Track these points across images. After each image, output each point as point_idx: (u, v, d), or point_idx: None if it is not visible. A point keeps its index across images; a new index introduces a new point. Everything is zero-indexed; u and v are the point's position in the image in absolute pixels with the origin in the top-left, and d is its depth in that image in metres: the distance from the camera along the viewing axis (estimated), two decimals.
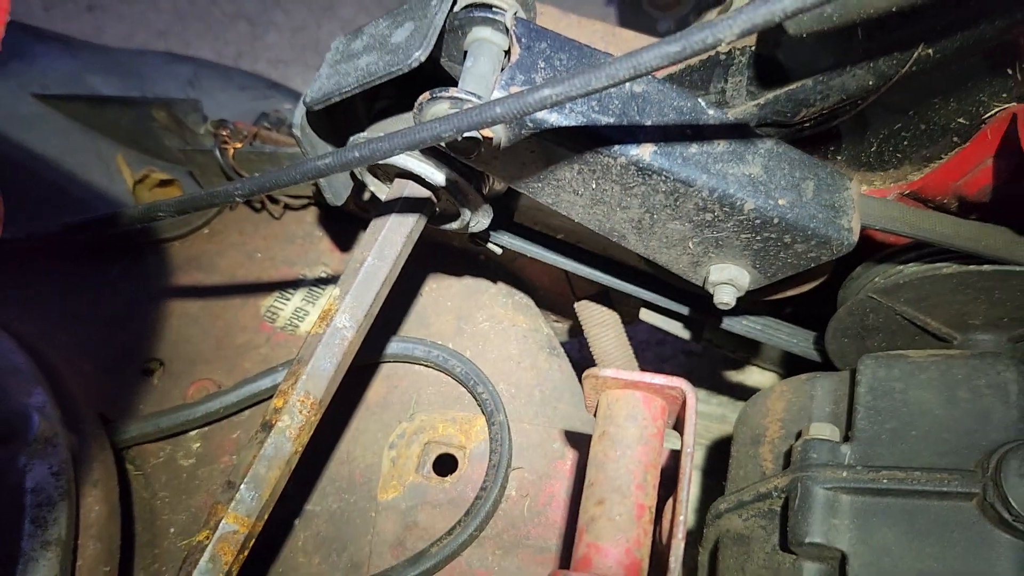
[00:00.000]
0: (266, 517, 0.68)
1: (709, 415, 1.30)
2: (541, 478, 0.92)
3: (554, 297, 1.09)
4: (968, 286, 0.77)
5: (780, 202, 0.71)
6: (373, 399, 0.98)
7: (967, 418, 0.75)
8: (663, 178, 0.70)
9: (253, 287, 1.07)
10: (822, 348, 0.95)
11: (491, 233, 0.91)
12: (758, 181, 0.71)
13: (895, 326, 0.83)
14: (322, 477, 0.93)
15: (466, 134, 0.66)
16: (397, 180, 0.80)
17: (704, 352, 1.26)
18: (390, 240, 0.77)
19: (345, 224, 1.10)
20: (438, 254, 1.07)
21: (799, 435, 0.82)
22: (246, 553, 0.67)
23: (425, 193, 0.78)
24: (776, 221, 0.71)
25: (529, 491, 0.91)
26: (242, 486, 0.66)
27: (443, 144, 0.69)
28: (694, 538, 1.21)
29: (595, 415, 0.67)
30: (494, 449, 0.91)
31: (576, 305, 1.04)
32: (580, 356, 1.18)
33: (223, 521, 0.65)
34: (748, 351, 1.20)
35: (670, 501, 0.62)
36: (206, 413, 0.95)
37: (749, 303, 0.95)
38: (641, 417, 0.64)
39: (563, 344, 1.07)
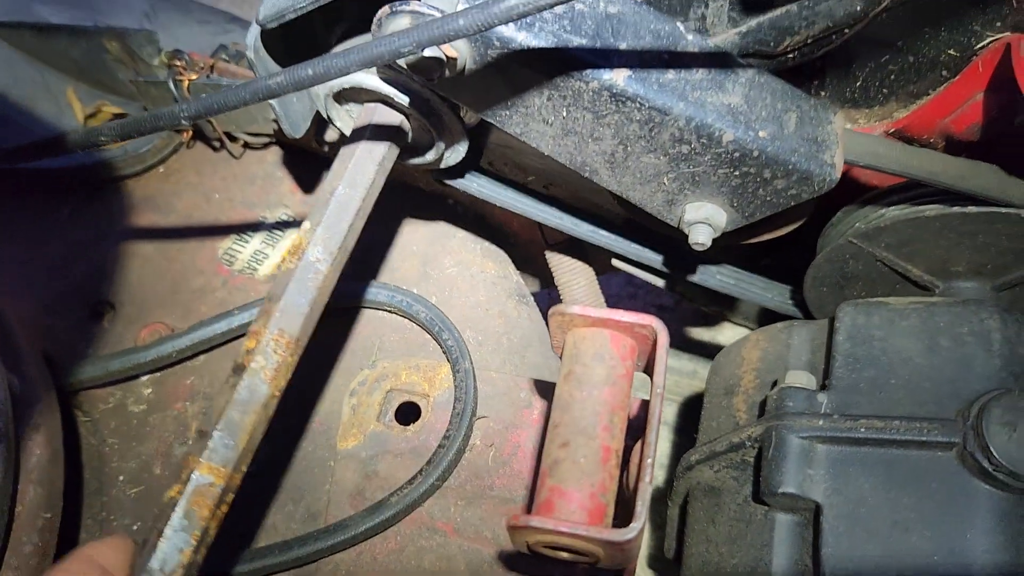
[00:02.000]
0: (245, 468, 0.63)
1: (680, 371, 1.27)
2: (507, 428, 0.88)
3: (524, 244, 1.05)
4: (952, 230, 0.74)
5: (760, 134, 0.67)
6: (333, 345, 0.94)
7: (948, 366, 0.72)
8: (637, 105, 0.66)
9: (210, 229, 1.02)
10: (798, 302, 0.92)
11: (460, 174, 0.87)
12: (738, 111, 0.67)
13: (875, 274, 0.80)
14: (278, 425, 0.89)
15: (428, 52, 0.62)
16: (366, 106, 0.75)
17: (676, 307, 1.23)
18: (361, 168, 0.72)
19: (308, 165, 1.05)
20: (404, 197, 1.03)
21: (774, 384, 0.79)
22: (225, 509, 0.61)
23: (396, 119, 0.74)
24: (756, 154, 0.67)
25: (494, 441, 0.87)
26: (215, 434, 0.60)
27: (404, 64, 0.64)
28: (663, 494, 1.18)
29: (561, 355, 0.64)
30: (459, 397, 0.87)
31: (547, 254, 1.01)
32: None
33: (195, 472, 0.59)
34: (721, 306, 1.17)
35: (638, 444, 0.59)
36: (157, 357, 0.90)
37: (724, 253, 0.92)
38: (609, 357, 0.60)
39: (533, 295, 1.04)
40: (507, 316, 0.96)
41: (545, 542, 0.55)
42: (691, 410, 1.27)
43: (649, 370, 0.61)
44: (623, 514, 0.55)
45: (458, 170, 0.87)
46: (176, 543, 0.56)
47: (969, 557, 0.65)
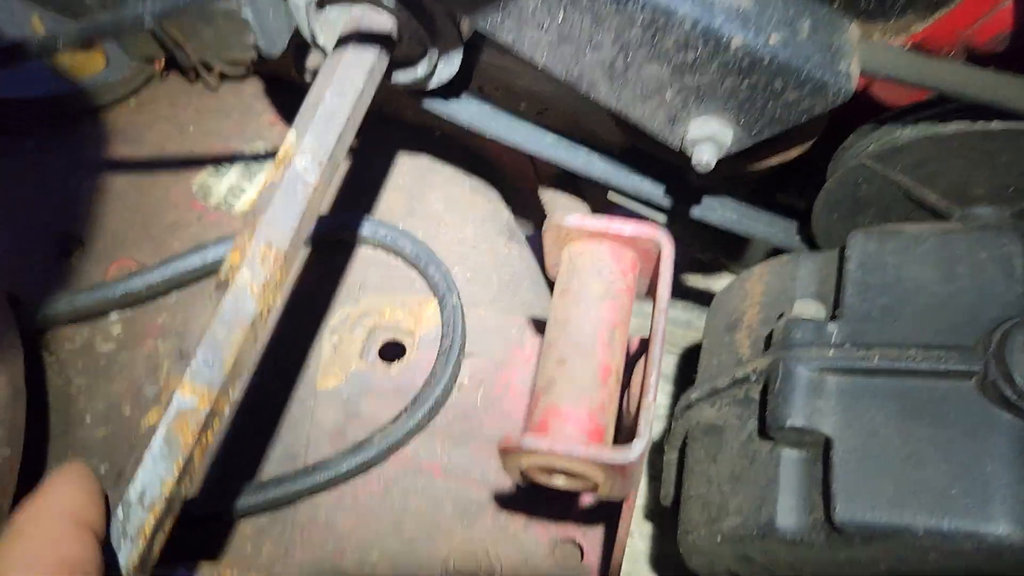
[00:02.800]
0: (232, 392, 0.56)
1: (676, 321, 1.23)
2: (497, 366, 0.84)
3: (516, 181, 1.00)
4: (972, 149, 0.69)
5: (772, 39, 0.62)
6: (313, 281, 0.89)
7: (967, 294, 0.68)
8: (639, 6, 0.61)
9: (184, 162, 0.97)
10: (806, 239, 0.87)
11: (448, 101, 0.82)
12: (747, 14, 0.62)
13: (889, 200, 0.76)
14: (255, 363, 0.84)
15: None
16: (352, 12, 0.69)
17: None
18: (350, 76, 0.66)
19: (288, 96, 0.99)
20: (389, 129, 0.98)
21: (780, 318, 0.75)
22: (211, 435, 0.55)
23: (385, 25, 0.68)
24: (766, 62, 0.62)
25: (483, 380, 0.83)
26: (198, 353, 0.54)
27: None
28: (659, 446, 1.14)
29: (557, 275, 0.59)
30: (446, 334, 0.82)
31: (540, 190, 0.96)
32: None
33: (177, 393, 0.53)
34: (720, 252, 1.13)
35: (640, 363, 0.54)
36: (126, 292, 0.85)
37: (728, 186, 0.87)
38: (608, 271, 0.56)
39: (527, 239, 0.99)
40: (497, 253, 0.91)
41: (539, 465, 0.51)
42: (689, 362, 1.23)
43: (653, 286, 0.56)
44: (624, 440, 0.50)
45: (447, 94, 0.82)
46: (157, 472, 0.51)
47: (988, 490, 0.61)
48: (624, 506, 0.59)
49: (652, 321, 0.52)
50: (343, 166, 0.96)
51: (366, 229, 0.88)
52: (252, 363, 0.84)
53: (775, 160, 0.75)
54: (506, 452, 0.51)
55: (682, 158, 0.71)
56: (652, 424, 0.51)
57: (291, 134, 0.64)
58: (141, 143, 0.98)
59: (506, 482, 0.79)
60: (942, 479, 0.62)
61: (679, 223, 1.11)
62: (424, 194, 0.94)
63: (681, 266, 1.22)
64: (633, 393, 0.55)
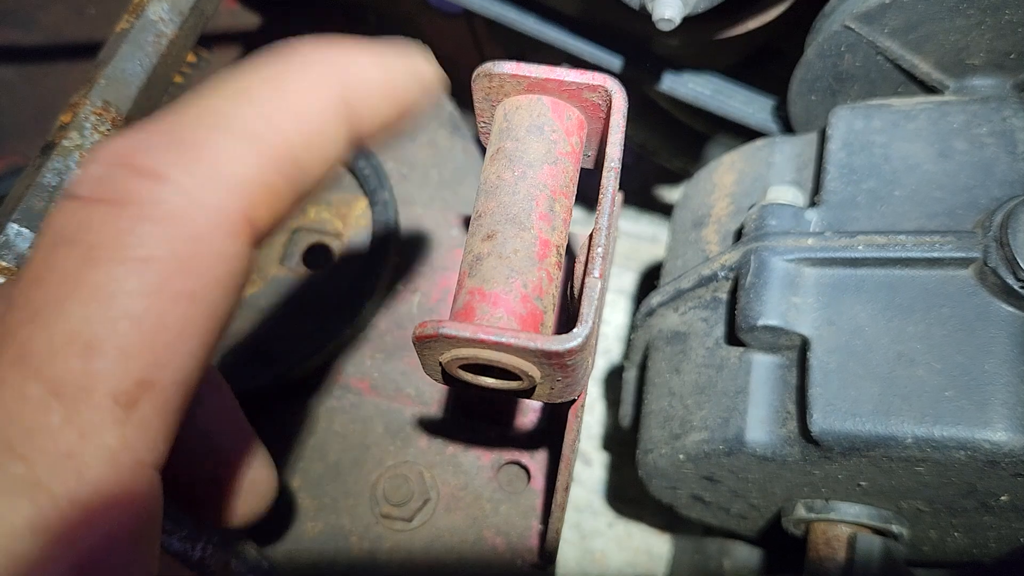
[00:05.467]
0: None
1: (639, 236, 1.14)
2: (434, 270, 0.74)
3: (460, 69, 0.90)
4: (972, 5, 0.60)
5: None
6: None
7: (964, 172, 0.60)
8: None
9: (83, 48, 0.86)
10: (784, 118, 0.78)
11: None
12: None
13: (875, 73, 0.66)
14: None
15: None
16: None
17: (636, 165, 1.10)
18: None
19: None
20: (317, 13, 0.86)
21: (753, 208, 0.66)
22: None
23: None
24: None
25: (419, 286, 0.73)
26: (9, 226, 0.46)
27: None
28: (618, 370, 1.06)
29: (488, 138, 0.49)
30: (376, 235, 0.73)
31: None
32: None
33: None
34: (686, 159, 1.04)
35: (585, 239, 0.45)
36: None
37: (701, 57, 0.77)
38: (549, 129, 0.46)
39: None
40: (437, 146, 0.81)
41: (463, 360, 0.42)
42: (651, 280, 1.14)
43: (602, 153, 0.47)
44: (567, 328, 0.41)
45: None
46: None
47: (986, 392, 0.53)
48: (570, 413, 0.51)
49: (600, 181, 0.43)
50: (251, 41, 0.85)
51: None
52: None
53: (752, 23, 0.65)
54: (423, 343, 0.42)
55: (647, 26, 0.61)
56: (601, 311, 0.42)
57: None
58: (33, 26, 0.87)
59: (443, 399, 0.70)
60: (935, 380, 0.54)
61: (645, 125, 1.02)
62: None
63: (647, 177, 1.13)
64: (578, 276, 0.46)
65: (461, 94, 0.90)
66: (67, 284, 0.26)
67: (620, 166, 0.44)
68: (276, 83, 0.31)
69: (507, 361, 0.41)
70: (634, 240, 1.13)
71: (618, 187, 0.44)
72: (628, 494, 1.02)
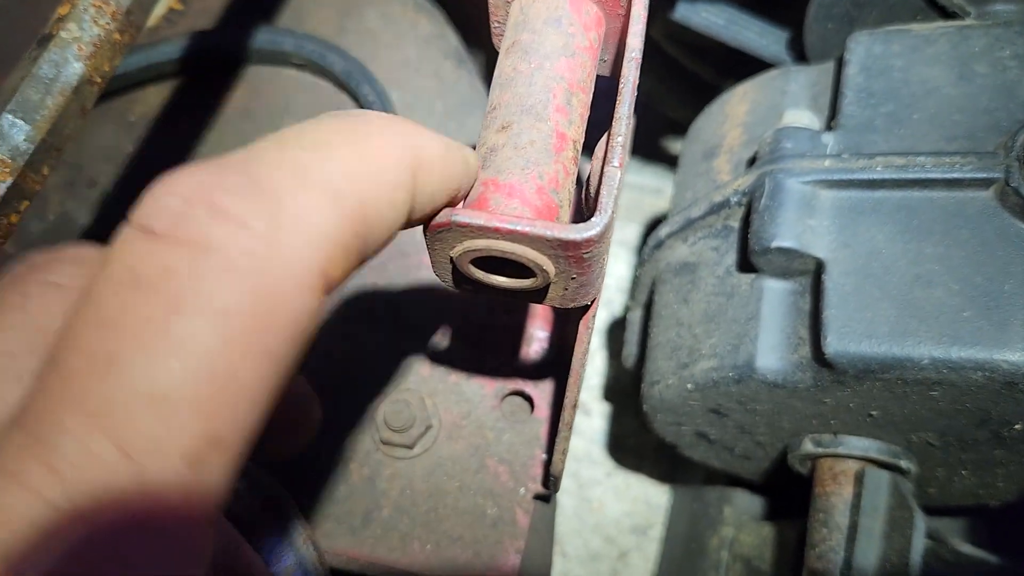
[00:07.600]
0: (47, 172, 0.46)
1: (643, 187, 1.13)
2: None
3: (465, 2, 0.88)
4: None
5: None
6: (230, 108, 0.77)
7: (985, 95, 0.58)
8: None
9: None
10: (799, 51, 0.76)
11: None
12: None
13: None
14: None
15: None
16: None
17: (641, 115, 1.08)
18: None
19: None
20: None
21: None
22: (16, 219, 0.45)
23: None
24: None
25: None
26: (4, 116, 0.44)
27: None
28: (619, 322, 1.05)
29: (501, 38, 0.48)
30: None
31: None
32: None
33: None
34: (692, 109, 1.02)
35: (604, 137, 0.44)
36: None
37: None
38: (567, 22, 0.45)
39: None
40: (442, 78, 0.79)
41: (476, 252, 0.40)
42: None
43: (621, 46, 0.45)
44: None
45: None
46: None
47: (1006, 313, 0.52)
48: (581, 324, 0.49)
49: (621, 72, 0.42)
50: None
51: (289, 44, 0.75)
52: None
53: None
54: (435, 233, 0.40)
55: None
56: (618, 200, 0.41)
57: None
58: None
59: (447, 328, 0.69)
60: (953, 302, 0.53)
61: (651, 73, 1.00)
62: (359, 10, 0.81)
63: (653, 128, 1.11)
64: (595, 171, 0.45)
65: (469, 31, 0.89)
66: (147, 334, 0.24)
67: (641, 57, 0.42)
68: (356, 141, 0.31)
69: (521, 253, 0.40)
70: (637, 192, 1.12)
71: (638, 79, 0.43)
72: (627, 444, 1.01)
